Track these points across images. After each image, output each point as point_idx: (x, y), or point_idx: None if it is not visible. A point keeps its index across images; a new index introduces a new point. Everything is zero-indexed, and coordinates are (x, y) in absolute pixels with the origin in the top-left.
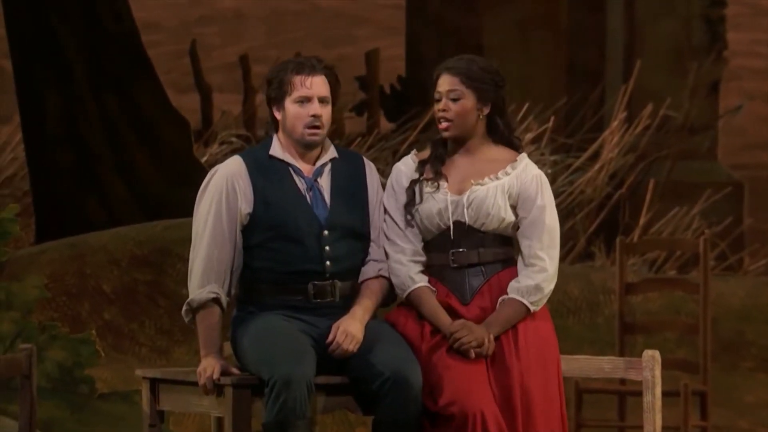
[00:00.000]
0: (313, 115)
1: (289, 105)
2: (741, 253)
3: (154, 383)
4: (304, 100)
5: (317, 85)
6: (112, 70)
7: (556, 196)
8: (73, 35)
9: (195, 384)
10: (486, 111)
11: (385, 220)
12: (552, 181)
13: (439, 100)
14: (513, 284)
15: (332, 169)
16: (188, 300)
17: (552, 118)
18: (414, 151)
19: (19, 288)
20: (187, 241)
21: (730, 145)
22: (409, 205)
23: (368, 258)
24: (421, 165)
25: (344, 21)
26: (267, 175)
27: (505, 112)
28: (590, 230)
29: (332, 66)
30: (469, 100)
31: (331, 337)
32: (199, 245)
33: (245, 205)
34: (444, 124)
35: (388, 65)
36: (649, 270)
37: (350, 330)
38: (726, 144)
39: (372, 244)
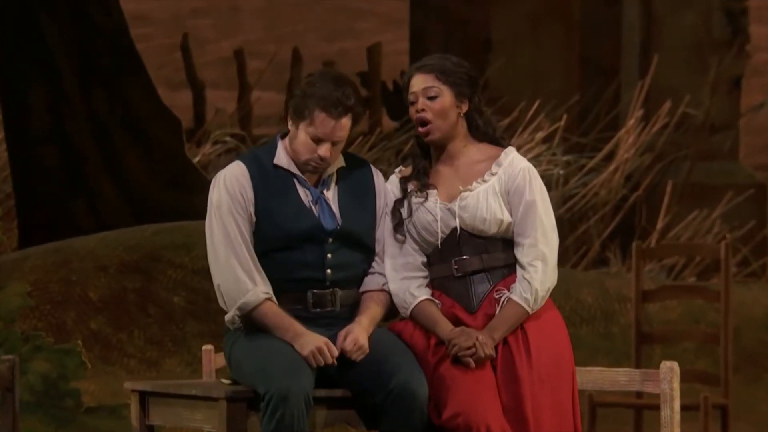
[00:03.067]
0: (321, 156)
1: (302, 132)
2: (764, 258)
3: (144, 396)
4: (318, 141)
5: (338, 128)
6: (100, 66)
7: (568, 198)
8: (60, 29)
9: (187, 397)
10: (464, 108)
11: (389, 236)
12: (564, 183)
13: (414, 102)
14: (514, 285)
15: (339, 178)
16: (239, 305)
17: (564, 116)
18: (400, 168)
19: (0, 296)
20: (178, 246)
21: (753, 145)
22: (399, 225)
23: (372, 270)
24: (404, 182)
25: (345, 14)
26: (270, 185)
27: (483, 110)
28: (605, 235)
29: (361, 99)
30: (446, 98)
31: (339, 342)
32: (227, 252)
33: (251, 210)
34: (424, 128)
35: (391, 60)
36: (667, 277)
37: (359, 339)
38: (748, 143)
39: (376, 256)
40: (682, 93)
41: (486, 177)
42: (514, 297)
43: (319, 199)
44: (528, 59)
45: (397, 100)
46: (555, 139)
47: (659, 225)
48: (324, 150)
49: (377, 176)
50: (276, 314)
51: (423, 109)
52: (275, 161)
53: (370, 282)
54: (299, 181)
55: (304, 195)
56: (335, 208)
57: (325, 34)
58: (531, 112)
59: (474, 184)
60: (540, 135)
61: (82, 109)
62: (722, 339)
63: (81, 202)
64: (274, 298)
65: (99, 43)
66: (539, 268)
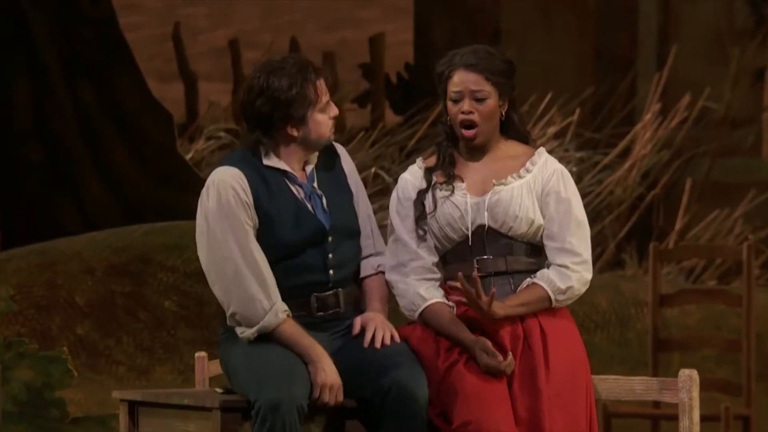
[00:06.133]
0: (334, 117)
1: (316, 115)
2: None
3: (133, 406)
4: (326, 108)
5: (325, 87)
6: (87, 57)
7: (582, 196)
8: (45, 18)
9: (178, 407)
10: (505, 108)
11: (394, 239)
12: (578, 181)
13: (457, 101)
14: (544, 272)
15: (317, 169)
16: (259, 327)
17: (578, 111)
18: (420, 159)
19: None
20: (170, 247)
21: None
22: (421, 218)
23: (363, 254)
24: (429, 172)
25: (346, 2)
26: (266, 188)
27: (518, 106)
28: (620, 235)
29: None
30: (493, 99)
31: (356, 329)
32: (236, 268)
33: (254, 217)
34: (470, 132)
35: (395, 51)
36: (686, 280)
37: (382, 322)
38: None
39: (363, 238)
40: (702, 86)
41: (521, 173)
42: (540, 281)
43: (312, 195)
44: (539, 50)
45: (402, 93)
46: (567, 135)
47: (678, 225)
48: (333, 109)
49: (343, 153)
50: (294, 334)
51: (471, 111)
52: (265, 162)
53: (365, 266)
54: (289, 179)
55: (297, 192)
56: (325, 200)
57: (324, 23)
58: (542, 106)
59: (509, 178)
60: (552, 130)
61: (68, 103)
62: (744, 346)
63: (67, 200)
64: (290, 312)
65: (86, 33)
66: (581, 272)
